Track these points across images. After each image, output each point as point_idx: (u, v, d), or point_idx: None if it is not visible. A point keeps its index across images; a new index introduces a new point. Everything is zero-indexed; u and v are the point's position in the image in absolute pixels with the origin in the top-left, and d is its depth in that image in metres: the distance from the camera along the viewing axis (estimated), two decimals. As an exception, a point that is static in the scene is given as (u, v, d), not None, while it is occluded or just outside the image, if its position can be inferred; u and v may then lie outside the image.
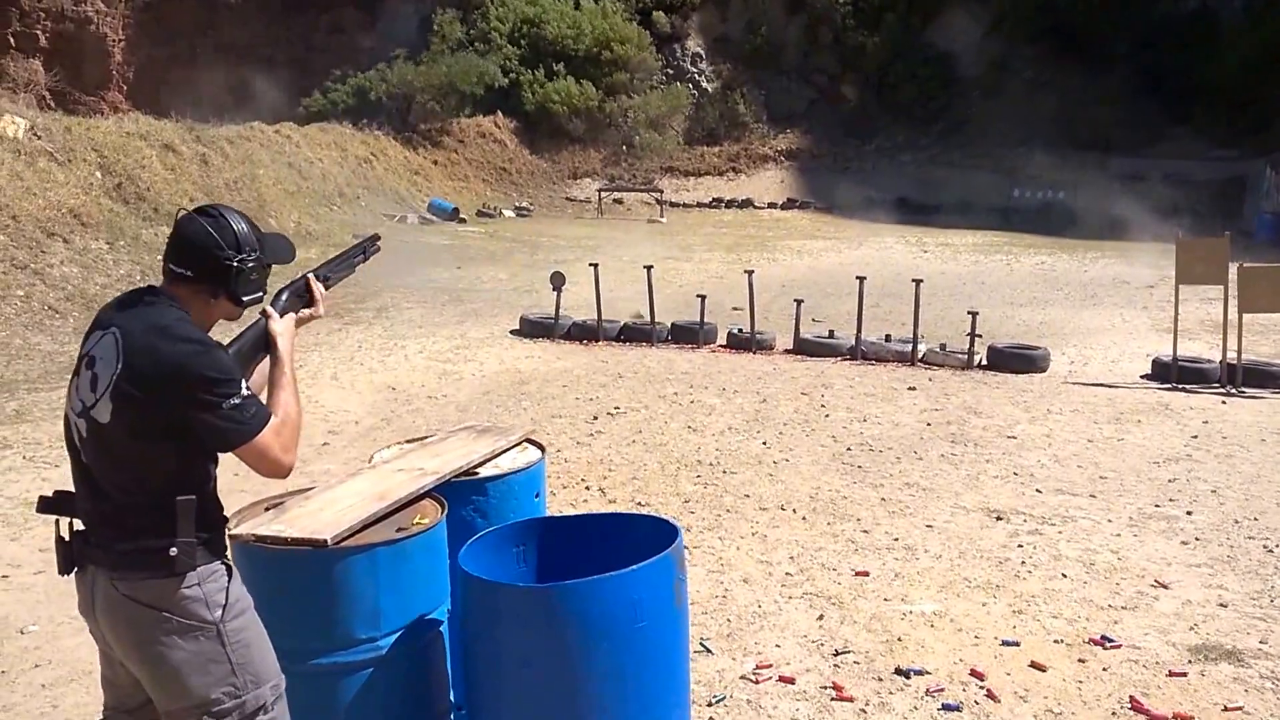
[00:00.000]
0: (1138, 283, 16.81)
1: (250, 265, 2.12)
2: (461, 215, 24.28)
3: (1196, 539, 5.04)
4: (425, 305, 12.33)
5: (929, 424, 7.29)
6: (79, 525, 2.09)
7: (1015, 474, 6.09)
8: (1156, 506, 5.55)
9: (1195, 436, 7.24)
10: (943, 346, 9.98)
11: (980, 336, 10.33)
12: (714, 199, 30.87)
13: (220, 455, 2.13)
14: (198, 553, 2.03)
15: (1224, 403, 8.48)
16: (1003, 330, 11.24)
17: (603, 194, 28.42)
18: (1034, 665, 3.57)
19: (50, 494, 2.15)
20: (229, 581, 2.09)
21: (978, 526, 5.07)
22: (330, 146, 23.95)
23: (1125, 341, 10.94)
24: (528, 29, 31.36)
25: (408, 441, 3.42)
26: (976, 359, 9.76)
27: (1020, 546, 4.80)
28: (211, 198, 16.72)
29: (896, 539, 4.84)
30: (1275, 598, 4.31)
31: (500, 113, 30.17)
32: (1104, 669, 3.58)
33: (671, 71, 33.86)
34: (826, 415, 7.44)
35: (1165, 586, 4.40)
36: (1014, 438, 7.01)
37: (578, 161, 30.61)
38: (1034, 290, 16.27)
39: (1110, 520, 5.27)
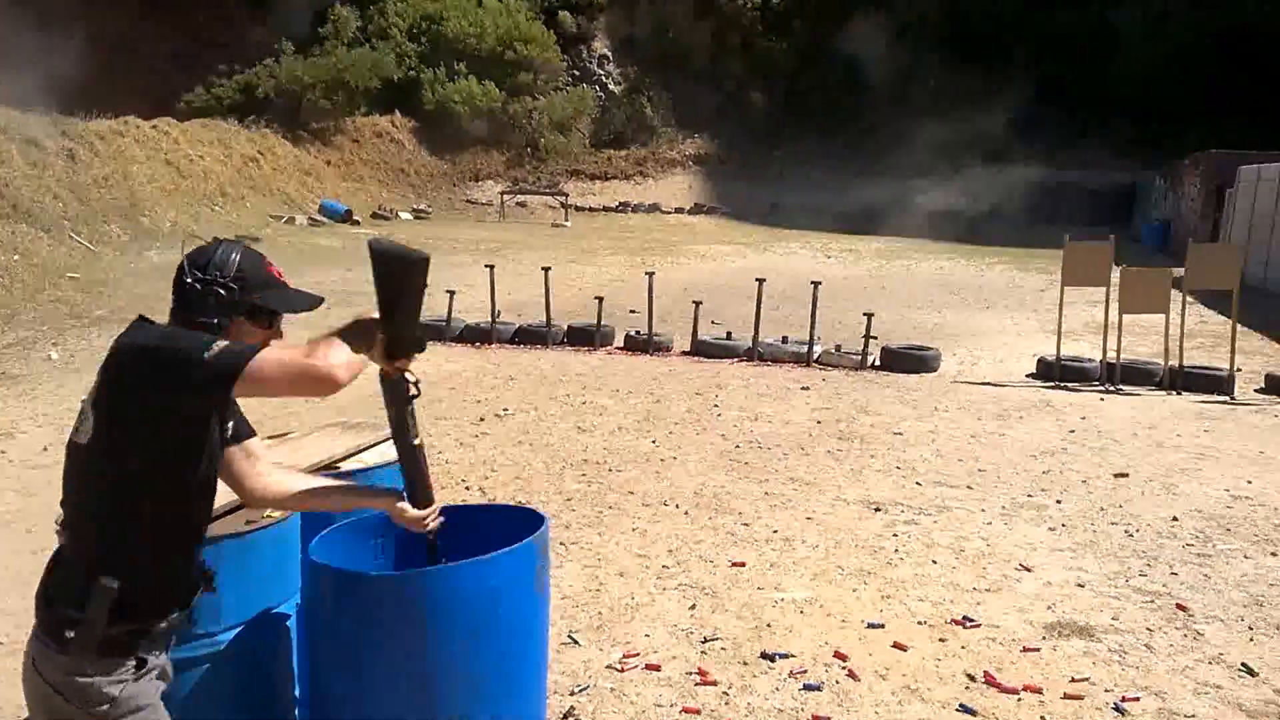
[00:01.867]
0: (1030, 287, 17.48)
1: (213, 289, 1.97)
2: (355, 217, 23.85)
3: (1063, 525, 5.25)
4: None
5: (819, 422, 7.44)
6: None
7: (898, 468, 6.25)
8: (1029, 496, 5.77)
9: (1073, 431, 7.54)
10: (838, 347, 10.19)
11: (875, 338, 10.60)
12: (620, 203, 30.95)
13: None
14: (98, 646, 1.81)
15: (1102, 399, 8.85)
16: (899, 333, 11.54)
17: (505, 197, 28.19)
18: (896, 645, 3.67)
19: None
20: (133, 680, 1.87)
21: (856, 518, 5.19)
22: (213, 144, 23.26)
23: (1014, 342, 11.34)
24: (428, 26, 30.92)
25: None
26: (871, 360, 10.00)
27: (895, 536, 4.94)
28: (77, 195, 16.08)
29: (776, 531, 4.93)
30: (1130, 578, 4.52)
31: (398, 112, 29.69)
32: (963, 647, 3.70)
33: (578, 73, 33.85)
34: (718, 415, 7.53)
35: (1029, 570, 4.57)
36: (900, 434, 7.19)
37: (480, 163, 30.32)
38: (932, 294, 16.74)
39: (984, 510, 5.46)
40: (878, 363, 9.96)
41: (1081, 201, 32.71)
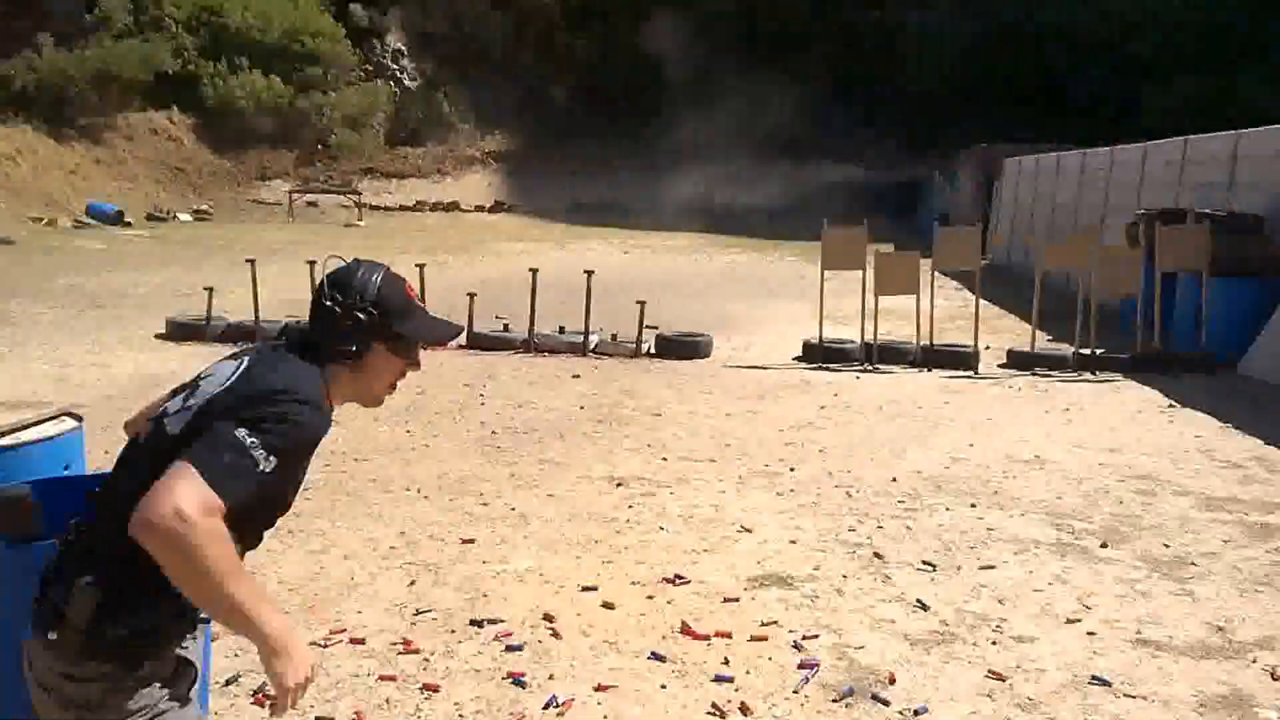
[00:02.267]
0: (813, 278, 18.35)
1: (354, 314, 1.84)
2: (127, 219, 22.36)
3: (791, 490, 5.62)
4: (62, 311, 11.29)
5: (582, 407, 7.61)
6: None
7: (649, 446, 6.49)
8: (766, 466, 6.12)
9: (823, 407, 8.04)
10: (614, 337, 10.44)
11: (656, 328, 10.93)
12: (418, 202, 30.38)
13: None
14: (83, 648, 1.65)
15: (858, 378, 9.46)
16: (684, 322, 11.95)
17: (294, 196, 27.09)
18: (605, 605, 3.84)
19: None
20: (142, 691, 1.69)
21: (597, 493, 5.37)
22: (-40, 142, 21.29)
23: (789, 328, 11.89)
24: (208, 16, 29.21)
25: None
26: (645, 347, 10.30)
27: (630, 508, 5.14)
28: None
29: (514, 509, 5.03)
30: (840, 533, 4.89)
31: (176, 107, 27.95)
32: (668, 602, 3.91)
33: (371, 68, 32.88)
34: (483, 403, 7.58)
35: (749, 531, 4.87)
36: (659, 415, 7.46)
37: (266, 161, 28.95)
38: (721, 286, 17.38)
39: (721, 480, 5.75)
40: (653, 350, 10.28)
41: (874, 196, 34.59)
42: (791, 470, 6.03)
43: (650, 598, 3.95)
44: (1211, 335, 9.68)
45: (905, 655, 3.58)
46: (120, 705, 1.66)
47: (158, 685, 1.70)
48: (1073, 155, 17.13)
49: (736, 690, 3.27)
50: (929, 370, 9.84)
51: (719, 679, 3.32)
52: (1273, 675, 3.53)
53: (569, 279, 12.29)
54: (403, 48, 34.41)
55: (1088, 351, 9.73)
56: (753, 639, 3.62)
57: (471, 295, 10.19)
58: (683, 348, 10.21)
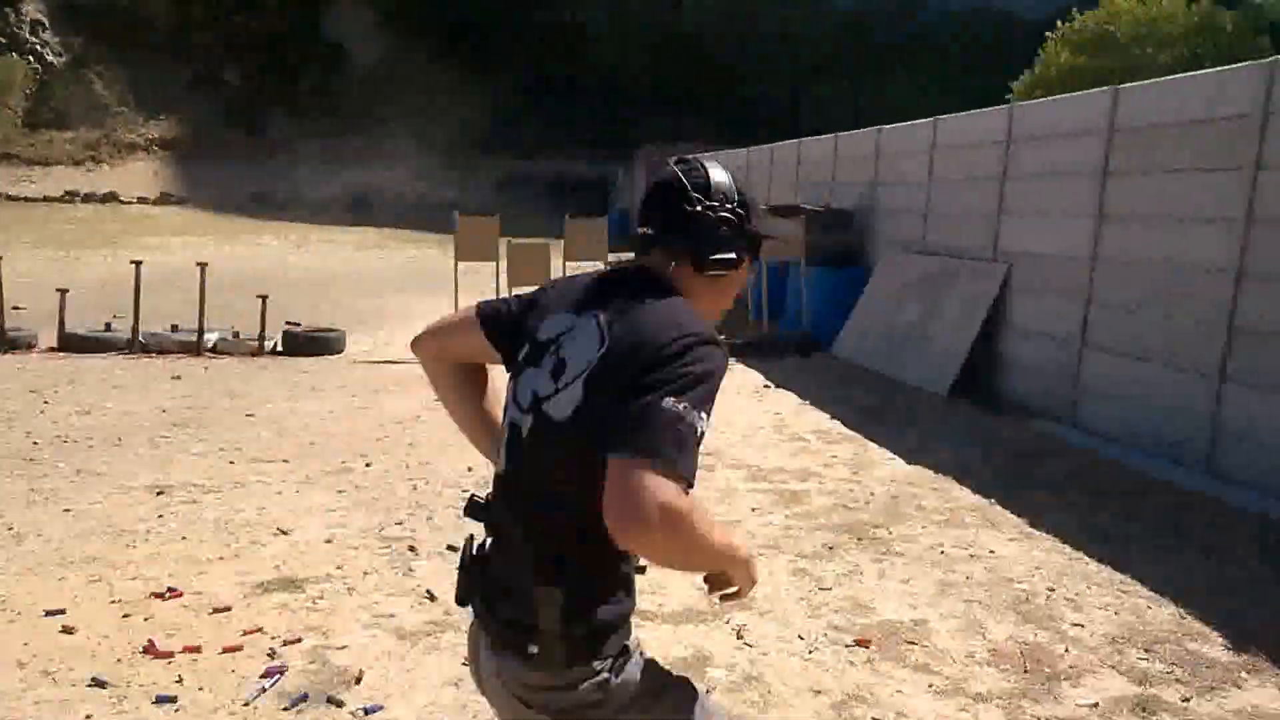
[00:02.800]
0: (490, 271, 18.28)
1: (719, 215, 1.62)
2: None
3: (357, 487, 5.45)
4: None
5: (164, 410, 7.05)
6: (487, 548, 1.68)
7: (222, 450, 6.09)
8: (343, 463, 5.92)
9: (437, 400, 7.93)
10: (236, 334, 9.82)
11: (298, 324, 10.43)
12: (66, 192, 27.42)
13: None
14: (567, 653, 1.55)
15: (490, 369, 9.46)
16: (342, 318, 11.52)
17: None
18: (64, 630, 3.50)
19: (481, 498, 1.71)
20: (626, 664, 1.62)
21: (126, 504, 4.94)
22: None
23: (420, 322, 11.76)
24: None
25: None
26: (271, 345, 9.77)
27: (160, 518, 4.76)
28: None
29: (11, 528, 4.51)
30: (385, 528, 4.79)
31: None
32: (145, 620, 3.62)
33: (4, 40, 29.19)
34: (43, 411, 6.83)
35: (286, 533, 4.65)
36: (252, 415, 7.05)
37: None
38: (394, 281, 16.93)
39: (285, 481, 5.48)
40: (279, 348, 9.78)
41: (563, 192, 35.22)
42: (368, 466, 5.87)
43: (126, 616, 3.64)
44: (812, 319, 10.59)
45: (389, 650, 3.52)
46: (614, 693, 1.59)
47: (630, 659, 1.64)
48: (719, 155, 18.33)
49: (178, 710, 3.06)
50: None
51: (160, 700, 3.09)
52: (738, 634, 3.80)
53: (229, 276, 11.49)
54: (43, 19, 30.80)
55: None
56: (225, 650, 3.42)
57: (62, 291, 9.21)
58: (312, 344, 9.79)
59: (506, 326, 1.75)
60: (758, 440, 6.95)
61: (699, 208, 1.62)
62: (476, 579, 1.68)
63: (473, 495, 1.72)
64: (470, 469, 5.86)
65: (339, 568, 4.25)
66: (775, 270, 11.43)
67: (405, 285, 16.22)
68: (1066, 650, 3.71)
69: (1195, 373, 6.04)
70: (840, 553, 4.71)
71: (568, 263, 10.88)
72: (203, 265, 9.45)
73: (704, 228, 1.62)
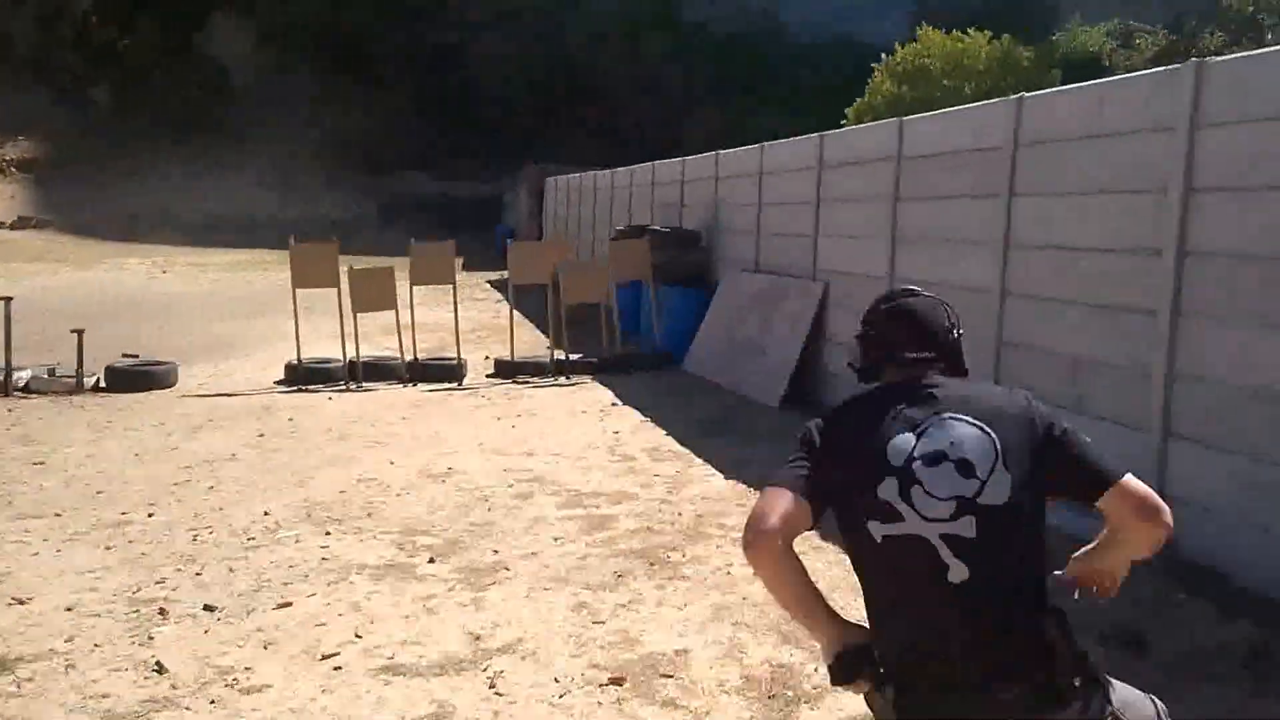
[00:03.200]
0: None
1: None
2: None
3: (130, 541, 5.04)
4: None
5: (-60, 461, 6.51)
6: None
7: (-12, 504, 5.62)
8: (124, 514, 5.50)
9: (262, 435, 7.54)
10: (51, 372, 9.21)
11: (136, 356, 9.90)
12: (-90, 219, 25.92)
13: None
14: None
15: (330, 399, 9.07)
16: (189, 347, 11.02)
17: None
18: None
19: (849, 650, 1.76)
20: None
21: None
22: None
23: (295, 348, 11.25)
24: None
25: None
26: (94, 381, 9.20)
27: (-120, 589, 4.31)
28: None
29: None
30: (144, 588, 4.40)
31: None
32: None
33: None
34: None
35: (23, 602, 4.23)
36: (42, 464, 6.56)
37: None
38: (256, 304, 16.29)
39: (46, 540, 5.04)
40: (103, 384, 9.21)
41: (453, 211, 34.66)
42: (150, 516, 5.47)
43: None
44: (666, 336, 10.47)
45: (87, 737, 3.18)
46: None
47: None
48: (589, 175, 18.27)
49: None
50: (415, 384, 9.72)
51: None
52: (491, 684, 3.57)
53: (74, 305, 10.80)
54: (-118, 37, 29.16)
55: (564, 357, 10.12)
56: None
57: None
58: (138, 379, 9.26)
59: (824, 487, 1.79)
60: (588, 461, 6.74)
61: (958, 335, 2.00)
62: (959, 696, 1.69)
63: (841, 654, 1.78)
64: (267, 513, 5.52)
65: (68, 640, 3.87)
66: (633, 291, 11.26)
67: (270, 308, 15.60)
68: (816, 670, 3.58)
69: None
70: (627, 581, 4.52)
71: (415, 286, 10.52)
72: (7, 299, 8.84)
73: (959, 352, 1.98)
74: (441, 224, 31.46)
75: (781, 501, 1.75)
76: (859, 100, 20.76)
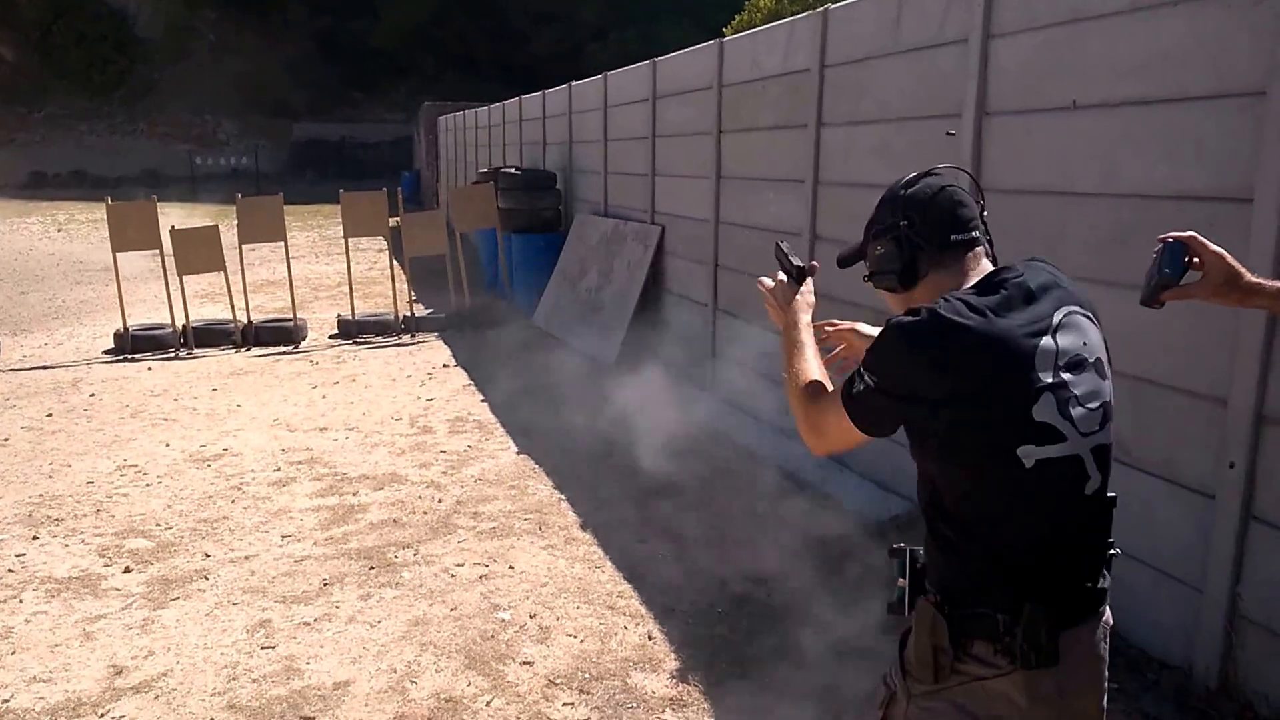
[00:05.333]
0: (265, 250, 16.90)
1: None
2: None
3: None
4: None
5: None
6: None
7: None
8: None
9: (50, 415, 6.96)
10: None
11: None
12: None
13: None
14: None
15: (150, 369, 8.46)
16: (37, 311, 10.29)
17: None
18: None
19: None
20: None
21: None
22: None
23: (145, 313, 10.59)
24: None
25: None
26: (-106, 360, 8.53)
27: None
28: None
29: None
30: None
31: None
32: None
33: None
34: None
35: None
36: None
37: None
38: (134, 265, 15.45)
39: None
40: (-98, 364, 8.54)
41: (363, 155, 33.58)
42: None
43: None
44: (520, 289, 9.87)
45: None
46: None
47: None
48: (470, 113, 17.21)
49: None
50: (249, 349, 9.12)
51: None
52: (95, 733, 3.08)
53: None
54: None
55: (409, 314, 9.53)
56: None
57: None
58: (-57, 357, 8.58)
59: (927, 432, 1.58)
60: (381, 435, 6.23)
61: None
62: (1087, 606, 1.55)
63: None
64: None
65: None
66: (491, 239, 10.60)
67: (145, 269, 14.82)
68: (489, 703, 3.12)
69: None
70: (332, 590, 4.03)
71: (349, 238, 9.78)
72: None
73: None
74: (353, 172, 30.40)
75: (851, 440, 1.61)
76: (737, 16, 17.92)
